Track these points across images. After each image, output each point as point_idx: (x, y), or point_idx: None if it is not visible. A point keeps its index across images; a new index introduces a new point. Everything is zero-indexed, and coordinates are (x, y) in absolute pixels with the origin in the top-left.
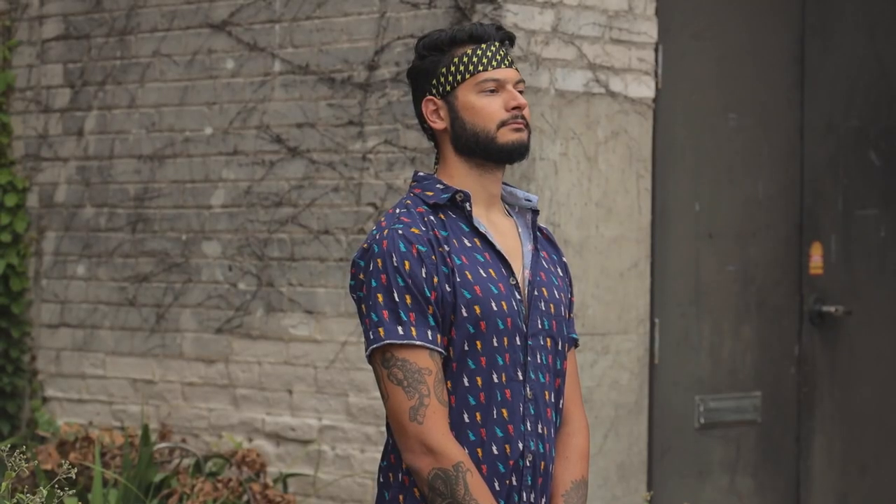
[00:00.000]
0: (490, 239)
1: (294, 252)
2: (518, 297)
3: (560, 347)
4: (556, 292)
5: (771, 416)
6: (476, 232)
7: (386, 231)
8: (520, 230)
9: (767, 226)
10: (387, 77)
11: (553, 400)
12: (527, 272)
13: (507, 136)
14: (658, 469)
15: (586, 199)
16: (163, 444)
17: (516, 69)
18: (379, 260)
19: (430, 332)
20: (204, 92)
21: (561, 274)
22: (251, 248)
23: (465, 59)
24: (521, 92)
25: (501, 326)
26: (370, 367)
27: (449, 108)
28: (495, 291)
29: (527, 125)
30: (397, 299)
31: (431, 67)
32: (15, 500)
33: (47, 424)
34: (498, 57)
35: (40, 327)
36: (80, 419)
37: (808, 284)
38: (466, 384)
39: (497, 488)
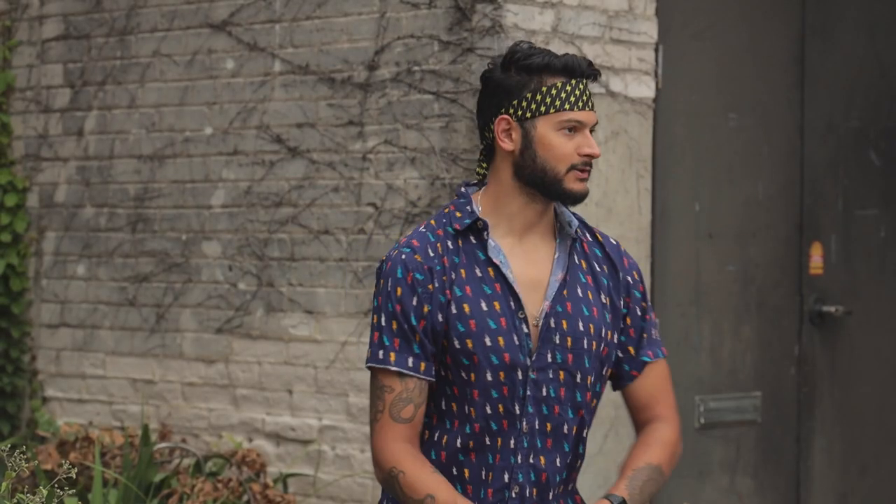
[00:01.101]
0: (503, 270)
1: (294, 252)
2: (526, 330)
3: (580, 380)
4: (582, 323)
5: (771, 416)
6: (491, 261)
7: (395, 252)
8: (556, 256)
9: (767, 226)
10: (387, 77)
11: (569, 431)
12: (546, 304)
13: (573, 185)
14: None
15: (586, 199)
16: (163, 444)
17: (595, 112)
18: (382, 280)
19: (410, 360)
20: (204, 92)
21: (604, 301)
22: (251, 248)
23: (554, 92)
24: (593, 130)
25: (496, 361)
26: None
27: (523, 133)
28: (493, 326)
29: (589, 172)
30: (384, 323)
31: (516, 87)
32: (15, 500)
33: (47, 424)
34: (584, 98)
35: (40, 327)
36: (80, 419)
37: (808, 284)
38: (466, 411)
39: None
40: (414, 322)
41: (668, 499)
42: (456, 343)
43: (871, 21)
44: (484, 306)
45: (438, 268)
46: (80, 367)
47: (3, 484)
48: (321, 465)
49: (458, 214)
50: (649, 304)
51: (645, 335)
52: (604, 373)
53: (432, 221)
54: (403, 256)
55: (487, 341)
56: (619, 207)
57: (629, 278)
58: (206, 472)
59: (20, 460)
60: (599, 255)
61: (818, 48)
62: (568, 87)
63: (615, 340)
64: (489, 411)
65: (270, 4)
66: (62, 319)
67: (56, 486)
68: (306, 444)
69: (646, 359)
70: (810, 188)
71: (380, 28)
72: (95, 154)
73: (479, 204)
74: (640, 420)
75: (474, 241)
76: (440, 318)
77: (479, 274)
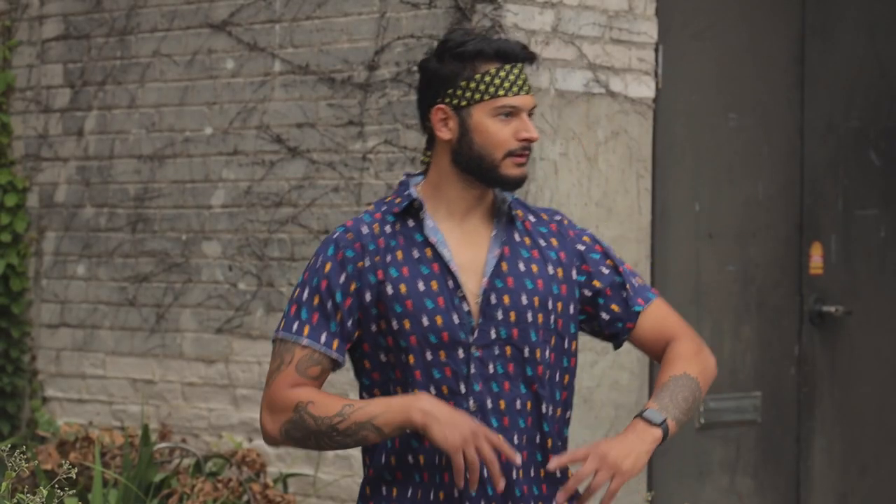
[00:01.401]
0: (439, 249)
1: (294, 252)
2: (466, 308)
3: (528, 354)
4: (525, 297)
5: (771, 417)
6: (428, 242)
7: (334, 232)
8: (493, 234)
9: (767, 226)
10: (387, 77)
11: (523, 406)
12: (485, 280)
13: (510, 170)
14: (658, 469)
15: (586, 199)
16: (163, 444)
17: (532, 95)
18: (314, 257)
19: (324, 336)
20: (204, 92)
21: (553, 273)
22: (251, 248)
23: (488, 79)
24: (531, 114)
25: (434, 340)
26: None
27: (460, 121)
28: (430, 306)
29: (528, 155)
30: (305, 298)
31: (450, 75)
32: (15, 500)
33: (47, 424)
34: (519, 82)
35: (40, 327)
36: (80, 419)
37: (808, 284)
38: (398, 394)
39: (441, 497)
40: (339, 299)
41: (668, 499)
42: (394, 324)
43: (871, 21)
44: (421, 286)
45: (371, 247)
46: (80, 367)
47: (3, 484)
48: (321, 465)
49: (398, 200)
50: (617, 258)
51: (628, 286)
52: (566, 346)
53: (371, 206)
54: (335, 235)
55: (425, 321)
56: (619, 207)
57: (579, 246)
58: (206, 472)
59: (20, 460)
60: (545, 231)
61: (818, 48)
62: (502, 73)
63: (570, 311)
64: (433, 392)
65: (270, 4)
66: (62, 319)
67: (56, 486)
68: None
69: (637, 308)
70: (810, 188)
71: (380, 28)
72: (95, 154)
73: (420, 190)
74: (658, 354)
75: (412, 224)
76: (369, 297)
77: (417, 255)
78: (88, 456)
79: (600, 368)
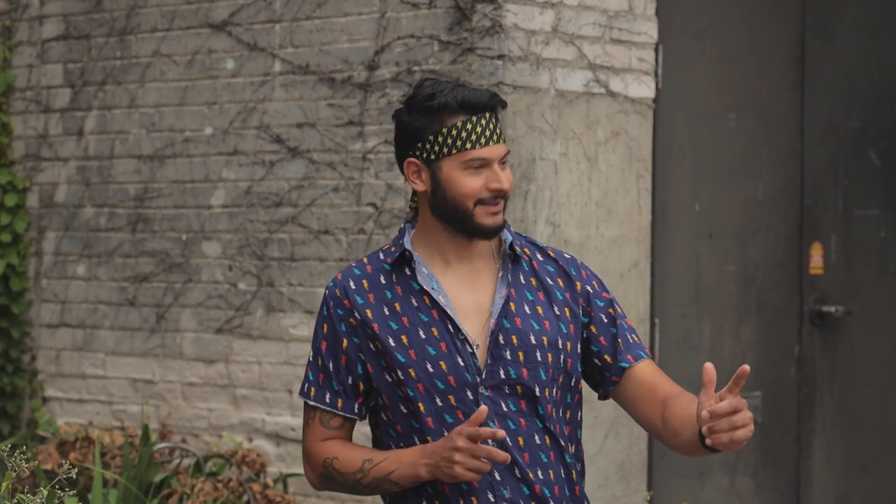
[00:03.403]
0: (434, 297)
1: (294, 252)
2: (470, 350)
3: (539, 392)
4: (533, 337)
5: (771, 416)
6: (424, 290)
7: (327, 288)
8: (500, 276)
9: (767, 226)
10: (387, 77)
11: (542, 442)
12: (492, 321)
13: (484, 220)
14: (658, 469)
15: (586, 199)
16: (163, 444)
17: (504, 141)
18: (317, 316)
19: (328, 395)
20: (204, 92)
21: (558, 312)
22: (251, 248)
23: (455, 133)
24: (505, 161)
25: (441, 386)
26: None
27: (431, 174)
28: (432, 352)
29: (505, 203)
30: (311, 358)
31: (419, 130)
32: (15, 500)
33: (47, 424)
34: (487, 133)
35: (40, 327)
36: (80, 419)
37: (808, 284)
38: (418, 444)
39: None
40: (336, 359)
41: (668, 499)
42: (399, 374)
43: (871, 21)
44: (422, 334)
45: (360, 301)
46: (80, 367)
47: (3, 484)
48: None
49: (392, 249)
50: (619, 310)
51: (619, 341)
52: (572, 384)
53: (364, 259)
54: (327, 293)
55: (429, 367)
56: (619, 207)
57: (588, 288)
58: (206, 472)
59: (20, 460)
60: (552, 270)
61: (818, 48)
62: (469, 126)
63: (578, 350)
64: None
65: (270, 4)
66: (62, 319)
67: (56, 486)
68: None
69: (624, 364)
70: (810, 188)
71: (380, 28)
72: (95, 154)
73: (413, 239)
74: (644, 416)
75: (408, 273)
76: (373, 348)
77: (416, 304)
78: (88, 456)
79: None
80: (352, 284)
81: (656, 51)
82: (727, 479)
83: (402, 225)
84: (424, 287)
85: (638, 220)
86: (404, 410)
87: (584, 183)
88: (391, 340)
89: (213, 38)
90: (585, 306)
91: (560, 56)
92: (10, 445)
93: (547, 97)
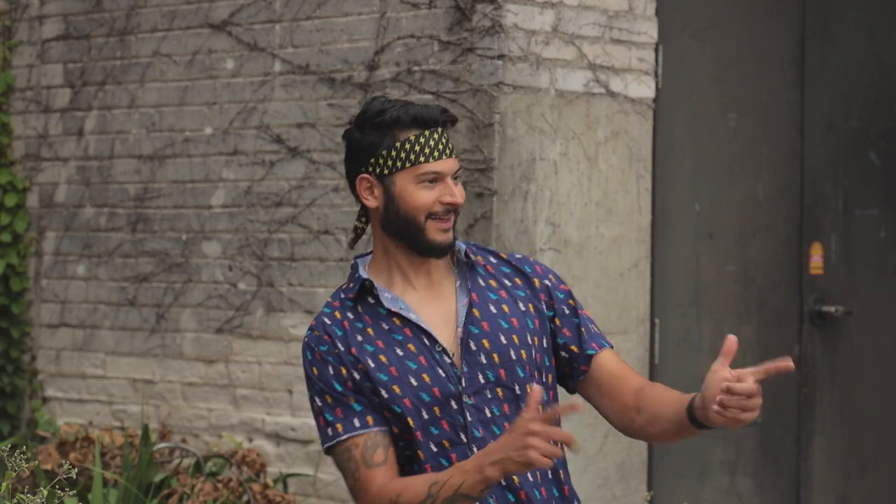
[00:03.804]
0: (405, 315)
1: (294, 252)
2: (448, 360)
3: (520, 391)
4: (503, 337)
5: (771, 417)
6: (392, 312)
7: (305, 336)
8: (458, 285)
9: (767, 226)
10: (387, 77)
11: None
12: (459, 330)
13: (435, 236)
14: (658, 469)
15: (586, 199)
16: (163, 444)
17: (456, 157)
18: (304, 370)
19: (356, 420)
20: (204, 92)
21: (523, 308)
22: (251, 248)
23: (408, 147)
24: (457, 177)
25: (427, 398)
26: None
27: (384, 189)
28: (413, 367)
29: (456, 219)
30: (319, 403)
31: (371, 145)
32: (15, 501)
33: (47, 424)
34: (440, 147)
35: (40, 327)
36: (80, 419)
37: (808, 284)
38: (415, 456)
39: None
40: (340, 388)
41: (668, 499)
42: (384, 393)
43: (871, 21)
44: (399, 352)
45: (339, 332)
46: (80, 367)
47: (3, 484)
48: (321, 465)
49: (351, 285)
50: (577, 301)
51: (583, 330)
52: (544, 380)
53: (329, 299)
54: (306, 339)
55: (413, 381)
56: (619, 207)
57: (547, 282)
58: (206, 472)
59: (20, 460)
60: (508, 271)
61: (818, 48)
62: (422, 140)
63: (545, 344)
64: (435, 449)
65: (270, 4)
66: (62, 319)
67: (56, 486)
68: (306, 444)
69: (590, 351)
70: (810, 188)
71: (380, 28)
72: (95, 154)
73: (368, 269)
74: (616, 405)
75: (372, 302)
76: (357, 374)
77: (386, 327)
78: (88, 456)
79: None
80: (327, 321)
81: (656, 51)
82: (727, 479)
83: (353, 261)
84: (392, 309)
85: (638, 220)
86: (395, 429)
87: (584, 183)
88: (371, 362)
89: (213, 38)
90: (548, 300)
91: (560, 56)
92: (10, 445)
93: (547, 97)
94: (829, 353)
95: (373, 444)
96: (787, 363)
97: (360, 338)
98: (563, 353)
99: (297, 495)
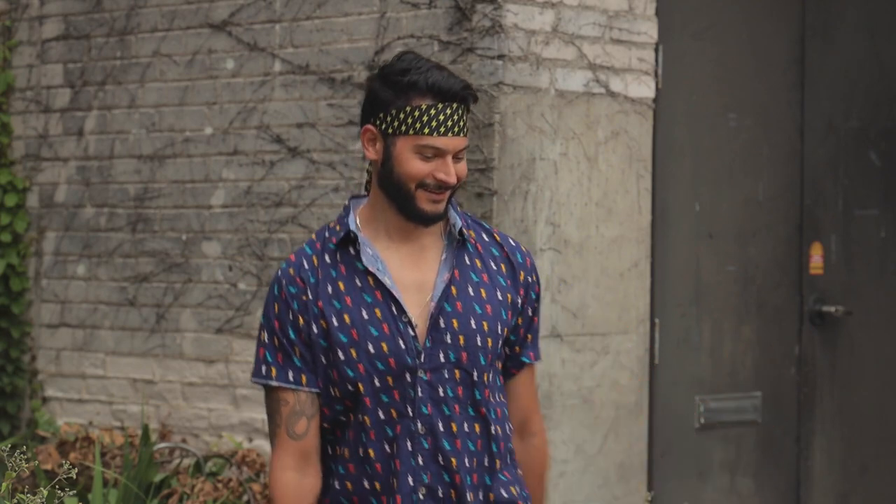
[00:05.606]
0: (380, 278)
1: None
2: (412, 333)
3: (477, 377)
4: (474, 321)
5: (771, 417)
6: (368, 271)
7: (279, 268)
8: (443, 258)
9: (767, 226)
10: None
11: (471, 430)
12: (432, 304)
13: (424, 205)
14: (658, 469)
15: (586, 199)
16: (163, 444)
17: (465, 135)
18: (266, 299)
19: (291, 373)
20: (204, 92)
21: (500, 298)
22: (251, 248)
23: (417, 115)
24: (461, 156)
25: (381, 367)
26: None
27: (385, 146)
28: (374, 333)
29: (451, 196)
30: (266, 340)
31: (384, 101)
32: (15, 500)
33: (47, 424)
34: (449, 123)
35: (40, 327)
36: (80, 419)
37: (808, 284)
38: (360, 421)
39: None
40: (293, 336)
41: (668, 499)
42: (341, 354)
43: (871, 21)
44: (364, 314)
45: (312, 280)
46: (80, 367)
47: (3, 484)
48: None
49: (337, 228)
50: (538, 310)
51: (530, 336)
52: (499, 367)
53: (313, 236)
54: (279, 273)
55: (371, 348)
56: (619, 207)
57: (530, 279)
58: (206, 472)
59: (20, 460)
60: (497, 254)
61: (818, 48)
62: (432, 111)
63: (506, 335)
64: (382, 417)
65: (270, 4)
66: (62, 319)
67: (56, 486)
68: None
69: (525, 359)
70: (810, 188)
71: (380, 28)
72: (95, 154)
73: (359, 215)
74: (510, 410)
75: (352, 252)
76: (315, 329)
77: (359, 284)
78: (88, 456)
79: (600, 368)
80: (305, 264)
81: (656, 51)
82: (727, 479)
83: (348, 200)
84: (369, 269)
85: (638, 220)
86: (333, 393)
87: (584, 183)
88: (335, 320)
89: (213, 38)
90: (523, 297)
91: (560, 56)
92: (10, 445)
93: (547, 97)
94: (829, 353)
95: (299, 409)
96: None
97: (330, 290)
98: (506, 349)
99: None
